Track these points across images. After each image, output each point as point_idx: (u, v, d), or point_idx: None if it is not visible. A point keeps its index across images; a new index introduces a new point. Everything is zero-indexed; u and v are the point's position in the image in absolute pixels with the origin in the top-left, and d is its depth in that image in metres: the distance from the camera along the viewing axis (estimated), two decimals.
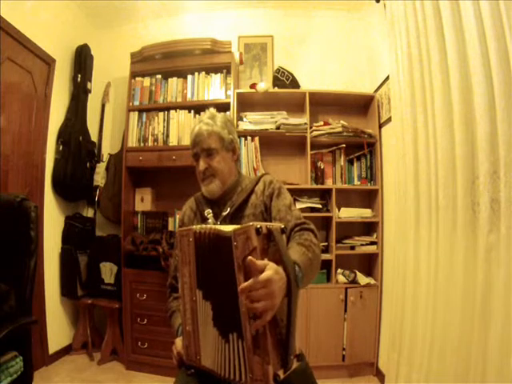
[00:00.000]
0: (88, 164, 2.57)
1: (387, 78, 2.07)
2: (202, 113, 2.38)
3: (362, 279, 2.21)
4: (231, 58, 2.34)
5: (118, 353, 2.38)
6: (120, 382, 2.12)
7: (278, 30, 2.72)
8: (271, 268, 0.68)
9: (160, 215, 2.43)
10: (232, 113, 2.25)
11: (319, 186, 2.34)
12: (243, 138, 2.28)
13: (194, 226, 0.85)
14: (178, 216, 2.38)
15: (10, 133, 2.00)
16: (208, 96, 2.35)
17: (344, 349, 2.18)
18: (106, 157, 2.66)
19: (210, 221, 1.04)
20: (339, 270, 2.26)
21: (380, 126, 2.33)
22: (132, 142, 2.39)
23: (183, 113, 2.35)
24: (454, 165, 1.30)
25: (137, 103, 2.43)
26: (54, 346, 2.28)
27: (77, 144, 2.46)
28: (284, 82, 2.41)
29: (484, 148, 1.13)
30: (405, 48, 1.67)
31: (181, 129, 2.34)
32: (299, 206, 2.20)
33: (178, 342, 0.94)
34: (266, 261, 0.69)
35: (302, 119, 2.31)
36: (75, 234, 2.47)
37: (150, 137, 2.37)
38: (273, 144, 2.44)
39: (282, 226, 0.77)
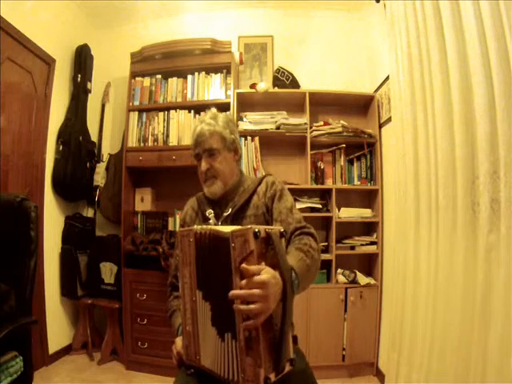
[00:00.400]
0: (88, 164, 2.57)
1: (387, 77, 2.07)
2: (202, 113, 2.37)
3: (362, 279, 2.21)
4: (231, 57, 2.34)
5: (118, 353, 2.38)
6: (120, 382, 2.12)
7: (278, 30, 2.72)
8: (268, 272, 0.68)
9: (160, 215, 2.43)
10: (232, 113, 2.25)
11: (319, 186, 2.34)
12: (243, 138, 2.28)
13: (195, 227, 0.85)
14: (178, 216, 2.39)
15: (10, 133, 2.00)
16: (208, 96, 2.35)
17: (344, 349, 2.18)
18: (106, 157, 2.66)
19: (211, 221, 1.03)
20: (339, 270, 2.26)
21: (380, 126, 2.33)
22: (132, 141, 2.39)
23: (183, 113, 2.35)
24: (454, 165, 1.30)
25: (137, 103, 2.43)
26: (54, 346, 2.28)
27: (77, 144, 2.46)
28: (284, 82, 2.41)
29: (484, 148, 1.13)
30: (405, 48, 1.67)
31: (181, 129, 2.34)
32: (299, 206, 2.20)
33: (178, 342, 0.94)
34: (262, 265, 0.69)
35: (302, 119, 2.31)
36: (75, 234, 2.47)
37: (150, 137, 2.37)
38: (273, 144, 2.44)
39: (282, 230, 0.76)
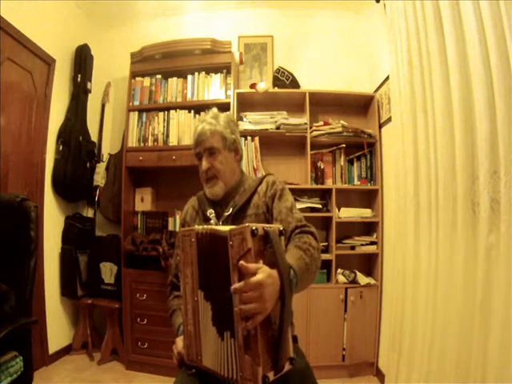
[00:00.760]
0: (88, 164, 2.57)
1: (387, 77, 2.07)
2: (202, 113, 2.39)
3: (362, 279, 2.21)
4: (231, 57, 2.34)
5: (118, 353, 2.38)
6: (120, 381, 2.12)
7: (278, 30, 2.72)
8: (264, 271, 0.68)
9: (160, 215, 2.43)
10: (232, 113, 2.25)
11: (319, 186, 2.34)
12: (243, 138, 2.28)
13: (196, 227, 0.85)
14: (177, 216, 2.39)
15: (10, 133, 2.00)
16: (208, 96, 2.35)
17: (344, 349, 2.18)
18: (106, 157, 2.66)
19: (212, 221, 1.03)
20: (339, 270, 2.26)
21: (380, 126, 2.33)
22: (132, 142, 2.39)
23: (183, 113, 2.35)
24: (454, 165, 1.30)
25: (137, 103, 2.43)
26: (53, 346, 2.28)
27: (77, 144, 2.46)
28: (284, 82, 2.41)
29: (484, 148, 1.13)
30: (405, 48, 1.67)
31: (181, 129, 2.34)
32: (299, 206, 2.20)
33: (179, 342, 0.94)
34: (259, 264, 0.69)
35: (302, 119, 2.31)
36: (75, 234, 2.47)
37: (150, 137, 2.38)
38: (273, 144, 2.44)
39: (281, 228, 0.76)
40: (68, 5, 2.49)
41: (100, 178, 2.58)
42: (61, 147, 2.39)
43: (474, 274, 1.17)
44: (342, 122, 2.33)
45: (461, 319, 1.23)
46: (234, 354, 0.71)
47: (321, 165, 2.36)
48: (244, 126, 2.31)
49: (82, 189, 2.53)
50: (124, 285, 2.30)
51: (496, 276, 1.08)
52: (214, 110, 1.14)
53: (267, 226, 0.75)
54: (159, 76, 2.42)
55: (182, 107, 2.36)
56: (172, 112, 2.36)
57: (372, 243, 2.27)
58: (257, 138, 2.29)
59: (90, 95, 2.64)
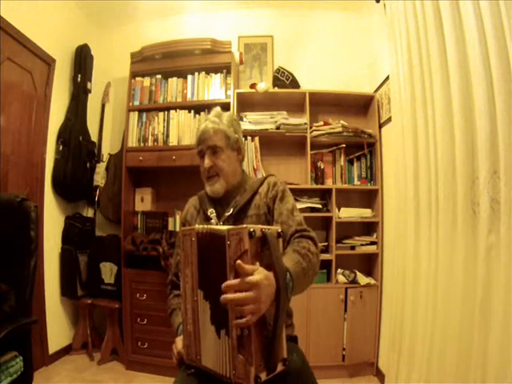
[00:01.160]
0: (88, 164, 2.57)
1: (387, 77, 2.07)
2: (202, 113, 2.39)
3: (362, 279, 2.21)
4: (231, 57, 2.34)
5: (118, 353, 2.38)
6: (120, 381, 2.12)
7: (278, 29, 2.72)
8: (260, 273, 0.68)
9: (160, 215, 2.43)
10: (232, 113, 2.25)
11: (319, 186, 2.34)
12: (243, 138, 2.28)
13: (197, 226, 0.85)
14: (177, 216, 2.39)
15: (10, 133, 2.00)
16: (208, 96, 2.35)
17: (344, 349, 2.18)
18: (106, 157, 2.66)
19: (212, 221, 1.03)
20: (339, 270, 2.26)
21: (380, 126, 2.33)
22: (132, 142, 2.39)
23: (183, 113, 2.35)
24: (454, 165, 1.30)
25: (137, 103, 2.43)
26: (53, 346, 2.28)
27: (77, 144, 2.46)
28: (284, 82, 2.41)
29: (484, 148, 1.13)
30: (405, 48, 1.67)
31: (181, 129, 2.34)
32: (299, 205, 2.20)
33: (179, 342, 0.94)
34: (256, 266, 0.69)
35: (302, 119, 2.31)
36: (75, 234, 2.47)
37: (150, 137, 2.38)
38: (273, 144, 2.44)
39: (279, 230, 0.77)
40: (68, 5, 2.49)
41: (100, 177, 2.58)
42: (61, 147, 2.39)
43: (474, 273, 1.17)
44: (342, 122, 2.33)
45: (461, 319, 1.23)
46: (229, 352, 0.72)
47: (321, 165, 2.36)
48: (244, 126, 2.31)
49: (81, 189, 2.53)
50: (124, 285, 2.30)
51: (496, 276, 1.08)
52: (218, 108, 1.14)
53: (266, 227, 0.75)
54: (159, 76, 2.42)
55: (181, 107, 2.36)
56: (172, 112, 2.36)
57: (372, 243, 2.27)
58: (257, 138, 2.29)
59: (90, 95, 2.64)
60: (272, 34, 2.71)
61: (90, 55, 2.64)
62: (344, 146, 2.35)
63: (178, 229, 2.36)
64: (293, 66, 2.58)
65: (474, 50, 1.16)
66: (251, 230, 0.69)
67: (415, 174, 1.61)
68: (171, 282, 1.14)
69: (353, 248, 2.28)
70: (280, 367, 0.74)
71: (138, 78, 2.45)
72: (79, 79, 2.54)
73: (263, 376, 0.69)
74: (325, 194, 2.36)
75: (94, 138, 2.68)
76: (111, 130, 2.82)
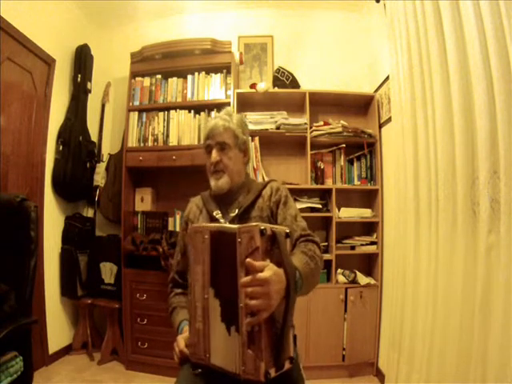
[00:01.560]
0: (88, 164, 2.57)
1: (387, 77, 2.07)
2: (202, 113, 2.38)
3: (362, 279, 2.21)
4: (231, 57, 2.34)
5: (118, 353, 2.38)
6: (120, 382, 2.12)
7: (278, 30, 2.72)
8: (271, 269, 0.69)
9: (160, 215, 2.43)
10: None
11: (319, 186, 2.34)
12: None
13: (207, 224, 0.85)
14: (177, 216, 2.39)
15: (10, 133, 2.00)
16: (208, 96, 2.35)
17: (344, 349, 2.18)
18: (106, 157, 2.66)
19: (222, 220, 1.04)
20: (339, 270, 2.26)
21: (380, 126, 2.33)
22: (132, 142, 2.39)
23: (183, 113, 2.35)
24: (454, 165, 1.30)
25: (137, 103, 2.43)
26: (53, 346, 2.28)
27: (77, 144, 2.45)
28: (284, 82, 2.41)
29: (484, 148, 1.13)
30: (405, 48, 1.67)
31: (181, 129, 2.34)
32: (299, 206, 2.20)
33: (180, 340, 0.93)
34: (266, 262, 0.71)
35: (302, 119, 2.31)
36: (75, 234, 2.47)
37: (150, 137, 2.37)
38: (273, 144, 2.44)
39: (287, 231, 0.78)
40: (68, 5, 2.49)
41: (100, 177, 2.58)
42: (61, 147, 2.39)
43: (474, 273, 1.17)
44: (342, 121, 2.33)
45: (461, 319, 1.23)
46: (239, 349, 0.72)
47: (321, 165, 2.36)
48: None
49: (81, 189, 2.53)
50: (124, 285, 2.30)
51: (496, 276, 1.08)
52: (228, 108, 1.17)
53: (274, 227, 0.77)
54: (159, 76, 2.42)
55: (181, 107, 2.36)
56: (172, 112, 2.36)
57: (372, 243, 2.27)
58: (257, 138, 2.29)
59: (90, 95, 2.63)
60: (272, 34, 2.71)
61: (90, 55, 2.64)
62: (344, 145, 2.35)
63: (178, 229, 2.36)
64: (293, 65, 2.58)
65: (474, 49, 1.16)
66: (262, 227, 0.71)
67: (415, 174, 1.61)
68: (172, 280, 1.14)
69: (353, 248, 2.28)
70: (287, 365, 0.74)
71: (137, 78, 2.45)
72: (79, 79, 2.53)
73: (272, 372, 0.70)
74: (325, 194, 2.36)
75: (94, 137, 2.68)
76: (111, 130, 2.82)
